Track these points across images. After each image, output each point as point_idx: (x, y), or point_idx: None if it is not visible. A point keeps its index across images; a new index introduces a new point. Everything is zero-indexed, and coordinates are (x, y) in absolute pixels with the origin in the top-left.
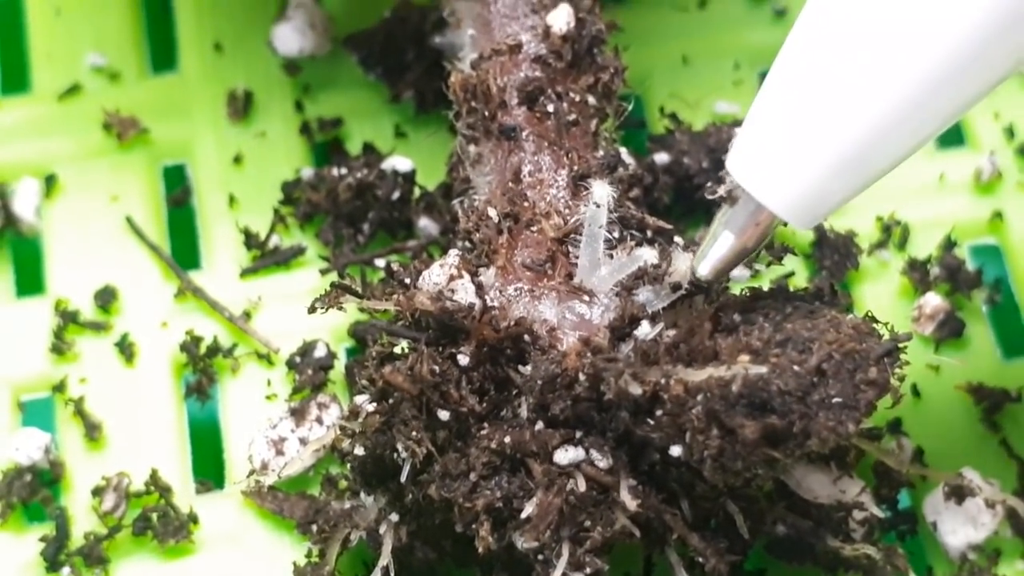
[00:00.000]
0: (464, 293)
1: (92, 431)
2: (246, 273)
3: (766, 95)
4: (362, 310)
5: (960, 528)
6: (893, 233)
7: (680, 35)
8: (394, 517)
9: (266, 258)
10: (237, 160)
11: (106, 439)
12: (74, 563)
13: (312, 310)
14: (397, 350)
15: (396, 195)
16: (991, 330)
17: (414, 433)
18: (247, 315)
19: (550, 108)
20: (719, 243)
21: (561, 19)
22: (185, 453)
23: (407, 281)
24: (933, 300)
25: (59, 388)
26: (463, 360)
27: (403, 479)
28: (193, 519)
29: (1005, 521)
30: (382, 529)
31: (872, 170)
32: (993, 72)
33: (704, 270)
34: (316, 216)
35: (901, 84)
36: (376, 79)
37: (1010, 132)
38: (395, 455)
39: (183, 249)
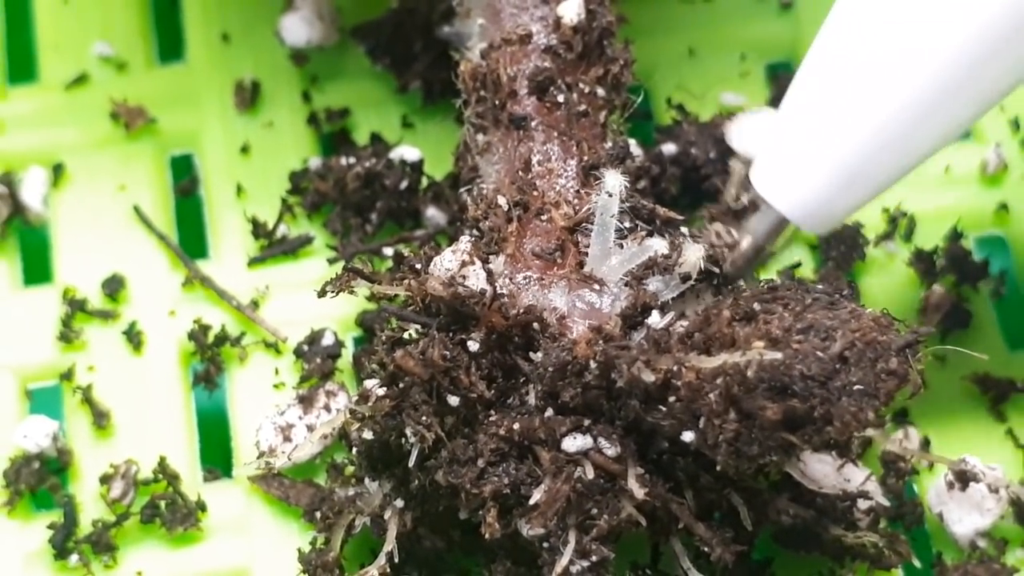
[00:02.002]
0: (475, 279)
1: (100, 419)
2: (254, 262)
3: (782, 112)
4: (370, 298)
5: (966, 516)
6: (899, 224)
7: (686, 27)
8: (399, 503)
9: (274, 247)
10: (244, 150)
11: (114, 427)
12: (82, 550)
13: (323, 293)
14: (406, 336)
15: (404, 185)
16: (997, 321)
17: (424, 418)
18: (255, 304)
19: (560, 98)
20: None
21: (572, 10)
22: (193, 441)
23: (418, 267)
24: (939, 291)
25: (67, 376)
26: (473, 346)
27: (411, 464)
28: (201, 507)
29: (1009, 508)
30: (387, 515)
31: (877, 181)
32: (976, 101)
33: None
34: (324, 206)
35: (897, 101)
36: (383, 69)
37: (1016, 124)
38: (403, 440)
39: (191, 238)
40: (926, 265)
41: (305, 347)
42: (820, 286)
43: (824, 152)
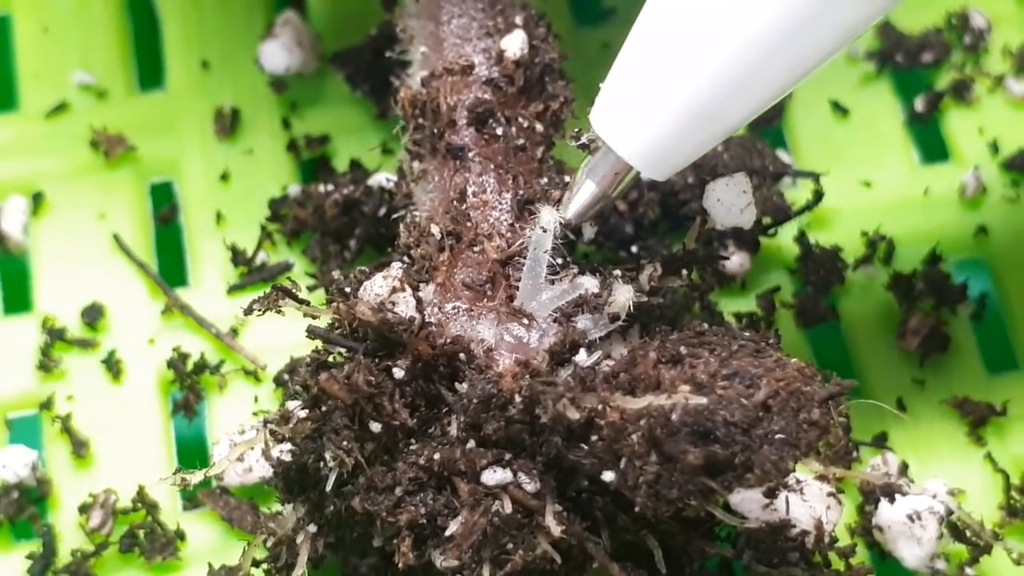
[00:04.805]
0: (405, 306)
1: (79, 448)
2: (233, 290)
3: (622, 55)
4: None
5: (907, 551)
6: (878, 248)
7: None
8: (312, 528)
9: (253, 275)
10: (224, 177)
11: (93, 456)
12: None
13: (249, 311)
14: (331, 359)
15: (382, 211)
16: (976, 345)
17: (344, 443)
18: (234, 332)
19: (498, 131)
20: (582, 190)
21: (515, 44)
22: (172, 470)
23: (347, 290)
24: (918, 315)
25: (46, 405)
26: (398, 373)
27: (327, 489)
28: (180, 536)
29: (944, 529)
30: (299, 539)
31: (718, 125)
32: (816, 42)
33: (568, 214)
34: (303, 233)
35: (734, 43)
36: (363, 96)
37: (994, 147)
38: (321, 464)
39: (170, 266)
40: (905, 289)
41: (285, 375)
42: (747, 333)
43: (667, 95)
